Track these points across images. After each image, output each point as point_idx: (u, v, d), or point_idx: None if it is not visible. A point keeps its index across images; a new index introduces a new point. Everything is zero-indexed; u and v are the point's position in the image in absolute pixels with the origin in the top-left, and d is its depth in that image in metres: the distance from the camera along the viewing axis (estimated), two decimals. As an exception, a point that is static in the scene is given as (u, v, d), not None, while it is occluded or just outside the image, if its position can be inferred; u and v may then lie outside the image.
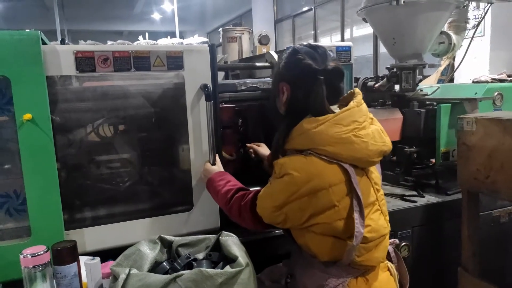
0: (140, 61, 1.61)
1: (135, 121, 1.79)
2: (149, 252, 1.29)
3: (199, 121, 1.73)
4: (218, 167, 1.70)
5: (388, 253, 1.49)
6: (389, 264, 1.47)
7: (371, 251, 1.33)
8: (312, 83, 1.30)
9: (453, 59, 3.44)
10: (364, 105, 1.36)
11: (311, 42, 1.58)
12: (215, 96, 1.73)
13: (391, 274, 1.45)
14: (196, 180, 1.76)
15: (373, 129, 1.32)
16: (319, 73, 1.30)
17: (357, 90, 1.39)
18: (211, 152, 1.72)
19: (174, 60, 1.66)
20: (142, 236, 1.39)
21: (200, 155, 1.75)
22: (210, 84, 1.70)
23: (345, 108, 1.30)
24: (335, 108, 1.35)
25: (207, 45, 1.73)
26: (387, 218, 1.42)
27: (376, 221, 1.34)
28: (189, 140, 1.73)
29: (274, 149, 1.41)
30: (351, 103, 1.32)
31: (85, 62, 1.54)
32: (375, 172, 1.40)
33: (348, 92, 1.41)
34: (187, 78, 1.69)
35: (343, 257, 1.29)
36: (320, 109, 1.30)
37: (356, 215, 1.25)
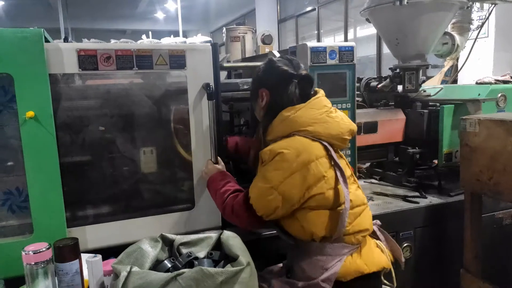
0: (143, 60, 1.61)
1: (137, 119, 1.79)
2: (151, 250, 1.29)
3: (201, 120, 1.74)
4: (222, 166, 1.71)
5: (375, 233, 1.62)
6: (378, 242, 1.59)
7: (357, 217, 1.47)
8: (288, 85, 1.51)
9: (457, 60, 3.43)
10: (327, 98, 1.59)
11: (314, 42, 1.71)
12: (217, 95, 1.73)
13: (382, 251, 1.56)
14: (198, 179, 1.76)
15: (339, 113, 1.55)
16: (294, 77, 1.52)
17: (317, 89, 1.60)
18: (213, 151, 1.72)
19: (177, 59, 1.67)
20: (143, 234, 1.39)
21: (202, 154, 1.75)
22: (212, 83, 1.70)
23: (315, 97, 1.53)
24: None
25: (209, 44, 1.73)
26: (363, 192, 1.59)
27: (354, 191, 1.51)
28: (191, 139, 1.73)
29: (257, 143, 1.55)
30: (318, 94, 1.55)
31: (87, 60, 1.54)
32: (343, 156, 1.61)
33: (313, 92, 1.60)
34: (189, 77, 1.70)
35: (338, 225, 1.41)
36: (291, 104, 1.50)
37: (341, 182, 1.43)
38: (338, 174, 1.43)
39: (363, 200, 1.54)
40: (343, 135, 1.49)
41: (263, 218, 1.45)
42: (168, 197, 1.88)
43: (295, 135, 1.44)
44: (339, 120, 1.50)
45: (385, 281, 1.56)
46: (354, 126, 1.55)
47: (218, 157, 1.74)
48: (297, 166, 1.38)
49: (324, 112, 1.48)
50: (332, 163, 1.45)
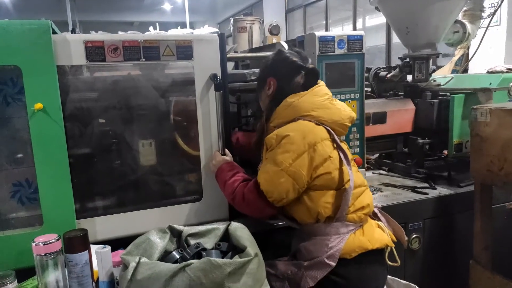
0: (150, 51, 1.61)
1: (146, 111, 1.79)
2: (159, 241, 1.30)
3: (208, 111, 1.73)
4: (229, 157, 1.72)
5: (376, 215, 1.67)
6: (379, 223, 1.63)
7: (359, 197, 1.52)
8: (295, 75, 1.58)
9: (468, 49, 3.37)
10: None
11: (322, 31, 1.73)
12: (225, 86, 1.72)
13: (383, 231, 1.59)
14: (206, 170, 1.76)
15: (339, 102, 1.63)
16: (302, 68, 1.59)
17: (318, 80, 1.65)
18: (221, 142, 1.72)
19: (184, 50, 1.66)
20: (152, 225, 1.40)
21: (209, 146, 1.75)
22: (219, 74, 1.69)
23: (316, 85, 1.60)
24: None
25: (216, 34, 1.72)
26: (363, 176, 1.65)
27: (355, 173, 1.56)
28: (198, 130, 1.73)
29: (259, 134, 1.62)
30: (319, 83, 1.62)
31: (95, 52, 1.54)
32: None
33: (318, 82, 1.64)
34: (196, 68, 1.69)
35: (342, 204, 1.46)
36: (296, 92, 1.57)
37: (345, 163, 1.50)
38: (342, 156, 1.51)
39: (364, 182, 1.60)
40: (344, 121, 1.57)
41: (274, 204, 1.46)
42: (176, 188, 1.88)
43: (300, 119, 1.51)
44: (340, 107, 1.58)
45: (389, 262, 1.57)
46: (353, 114, 1.62)
47: (226, 149, 1.73)
48: (304, 147, 1.44)
49: (326, 99, 1.56)
50: (335, 145, 1.52)
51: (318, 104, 1.53)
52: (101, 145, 1.75)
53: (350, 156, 1.58)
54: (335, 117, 1.55)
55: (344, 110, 1.59)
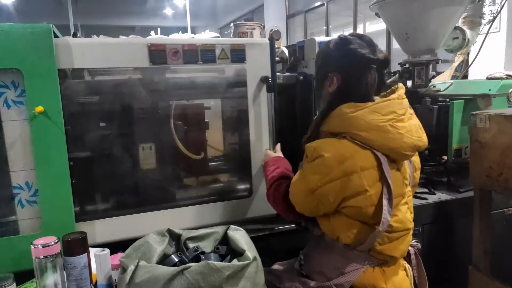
0: (207, 54, 1.69)
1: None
2: (158, 245, 1.30)
3: (259, 111, 1.79)
4: (279, 153, 1.70)
5: (409, 254, 1.51)
6: (407, 265, 1.48)
7: (393, 242, 1.35)
8: (365, 72, 1.33)
9: (468, 55, 3.38)
10: (406, 100, 1.37)
11: (323, 36, 1.66)
12: (275, 87, 1.78)
13: (406, 275, 1.45)
14: (256, 168, 1.82)
15: (410, 123, 1.32)
16: (372, 62, 1.33)
17: (400, 85, 1.40)
18: (272, 141, 1.78)
19: (237, 53, 1.74)
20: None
21: (261, 145, 1.81)
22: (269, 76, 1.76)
23: (385, 98, 1.33)
24: (376, 98, 1.38)
25: (267, 39, 1.80)
26: (412, 215, 1.44)
27: (404, 213, 1.36)
28: (249, 130, 1.80)
29: (311, 131, 1.43)
30: (393, 95, 1.34)
31: (158, 55, 1.61)
32: (406, 168, 1.41)
33: (393, 86, 1.41)
34: (249, 71, 1.75)
35: (365, 242, 1.30)
36: (365, 96, 1.34)
37: (385, 202, 1.26)
38: (385, 191, 1.27)
39: (408, 225, 1.39)
40: (404, 150, 1.29)
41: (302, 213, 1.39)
42: (229, 186, 1.98)
43: (346, 137, 1.29)
44: (404, 133, 1.28)
45: None
46: (422, 142, 1.33)
47: (278, 145, 1.74)
48: (338, 174, 1.25)
49: (389, 120, 1.27)
50: (382, 177, 1.28)
51: (373, 125, 1.26)
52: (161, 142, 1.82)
53: (402, 189, 1.36)
54: (392, 143, 1.27)
55: (408, 137, 1.29)
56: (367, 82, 1.34)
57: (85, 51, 1.53)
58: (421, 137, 1.34)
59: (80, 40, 1.58)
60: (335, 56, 1.38)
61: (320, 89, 1.45)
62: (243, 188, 1.92)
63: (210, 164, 2.00)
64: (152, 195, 1.83)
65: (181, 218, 1.74)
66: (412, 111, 1.37)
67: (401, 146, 1.28)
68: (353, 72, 1.34)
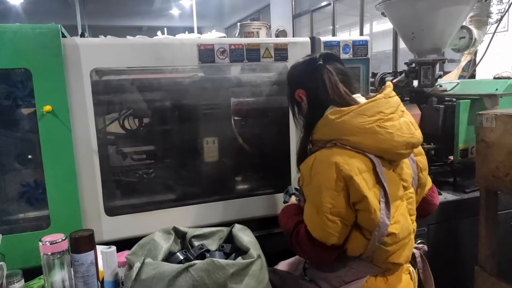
0: (252, 53, 1.75)
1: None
2: (164, 243, 1.32)
3: None
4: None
5: (414, 257, 1.48)
6: (411, 268, 1.44)
7: (399, 250, 1.31)
8: (315, 72, 1.35)
9: (475, 54, 3.36)
10: (395, 97, 1.34)
11: (329, 36, 1.73)
12: None
13: (411, 278, 1.42)
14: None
15: (401, 121, 1.29)
16: (314, 59, 1.37)
17: (388, 83, 1.38)
18: None
19: (280, 52, 1.79)
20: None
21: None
22: None
23: (370, 99, 1.30)
24: (362, 99, 1.35)
25: (308, 38, 1.85)
26: (414, 217, 1.40)
27: (406, 218, 1.32)
28: (289, 131, 1.84)
29: (301, 143, 1.43)
30: (378, 95, 1.31)
31: (207, 54, 1.68)
32: (407, 169, 1.37)
33: (382, 87, 1.38)
34: None
35: (367, 249, 1.27)
36: (340, 98, 1.31)
37: (382, 205, 1.24)
38: (381, 193, 1.24)
39: (410, 230, 1.35)
40: (397, 149, 1.26)
41: (336, 245, 1.28)
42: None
43: (336, 144, 1.27)
44: (394, 131, 1.25)
45: None
46: (415, 139, 1.29)
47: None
48: (341, 181, 1.22)
49: (376, 121, 1.24)
50: (377, 180, 1.25)
51: (360, 128, 1.23)
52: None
53: (401, 191, 1.31)
54: (382, 144, 1.24)
55: (400, 135, 1.25)
56: (331, 82, 1.32)
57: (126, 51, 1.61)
58: (413, 134, 1.30)
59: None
60: (290, 78, 1.47)
61: (300, 115, 1.47)
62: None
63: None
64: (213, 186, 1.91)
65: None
66: (403, 108, 1.34)
67: (392, 146, 1.25)
68: (309, 78, 1.37)
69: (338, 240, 1.26)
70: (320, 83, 1.33)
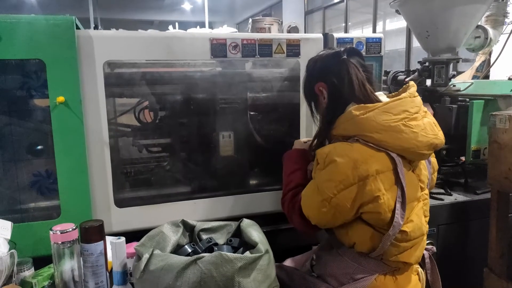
0: (264, 48, 1.73)
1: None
2: (172, 235, 1.32)
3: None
4: (306, 146, 1.56)
5: (423, 258, 1.47)
6: (420, 269, 1.44)
7: (407, 250, 1.31)
8: (341, 66, 1.33)
9: (490, 55, 3.31)
10: (418, 97, 1.34)
11: (342, 33, 1.67)
12: None
13: (419, 279, 1.42)
14: None
15: (425, 121, 1.28)
16: (338, 53, 1.36)
17: (411, 83, 1.38)
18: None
19: (293, 48, 1.77)
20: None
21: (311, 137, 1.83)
22: None
23: (396, 98, 1.29)
24: (384, 98, 1.35)
25: (321, 34, 1.83)
26: (427, 218, 1.40)
27: (420, 219, 1.32)
28: (300, 127, 1.83)
29: (318, 137, 1.42)
30: (404, 94, 1.31)
31: (218, 48, 1.66)
32: (424, 170, 1.37)
33: (404, 85, 1.38)
34: (303, 65, 1.74)
35: (378, 247, 1.27)
36: (362, 92, 1.32)
37: (397, 206, 1.23)
38: (399, 193, 1.23)
39: (423, 230, 1.35)
40: (420, 149, 1.25)
41: (318, 226, 1.34)
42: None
43: (358, 140, 1.25)
44: (418, 131, 1.24)
45: None
46: (438, 140, 1.29)
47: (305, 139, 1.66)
48: (354, 179, 1.21)
49: (402, 120, 1.23)
50: (397, 180, 1.23)
51: (385, 125, 1.22)
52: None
53: (418, 193, 1.31)
54: (406, 143, 1.23)
55: (424, 135, 1.24)
56: (357, 77, 1.31)
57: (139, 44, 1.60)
58: (437, 135, 1.29)
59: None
60: (311, 71, 1.43)
61: (318, 110, 1.46)
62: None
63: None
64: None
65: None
66: (425, 109, 1.34)
67: (416, 146, 1.24)
68: (331, 72, 1.35)
69: (323, 226, 1.33)
70: (346, 78, 1.32)
